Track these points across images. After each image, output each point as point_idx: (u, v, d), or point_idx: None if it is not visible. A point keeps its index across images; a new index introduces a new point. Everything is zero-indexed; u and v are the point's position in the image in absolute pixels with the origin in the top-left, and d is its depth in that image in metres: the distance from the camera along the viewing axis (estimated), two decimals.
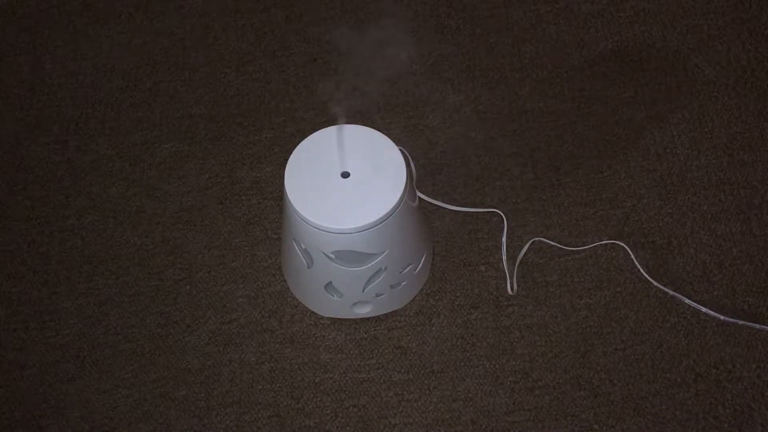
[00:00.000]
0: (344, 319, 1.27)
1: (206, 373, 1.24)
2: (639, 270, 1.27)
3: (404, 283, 1.23)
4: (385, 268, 1.17)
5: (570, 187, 1.35)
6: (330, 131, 1.15)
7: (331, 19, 1.50)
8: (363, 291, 1.20)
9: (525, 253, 1.30)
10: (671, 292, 1.25)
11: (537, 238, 1.31)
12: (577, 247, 1.30)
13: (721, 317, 1.23)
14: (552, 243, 1.30)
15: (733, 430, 1.17)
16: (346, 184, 1.12)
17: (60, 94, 1.46)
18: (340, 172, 1.13)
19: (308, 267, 1.18)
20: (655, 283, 1.26)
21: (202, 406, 1.22)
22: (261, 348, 1.25)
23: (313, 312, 1.27)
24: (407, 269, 1.21)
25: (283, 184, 1.13)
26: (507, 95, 1.42)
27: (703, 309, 1.24)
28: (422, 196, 1.33)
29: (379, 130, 1.16)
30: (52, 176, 1.39)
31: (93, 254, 1.33)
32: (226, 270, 1.31)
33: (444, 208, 1.34)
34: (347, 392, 1.22)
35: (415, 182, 1.35)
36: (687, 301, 1.25)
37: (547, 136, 1.39)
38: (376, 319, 1.27)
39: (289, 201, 1.11)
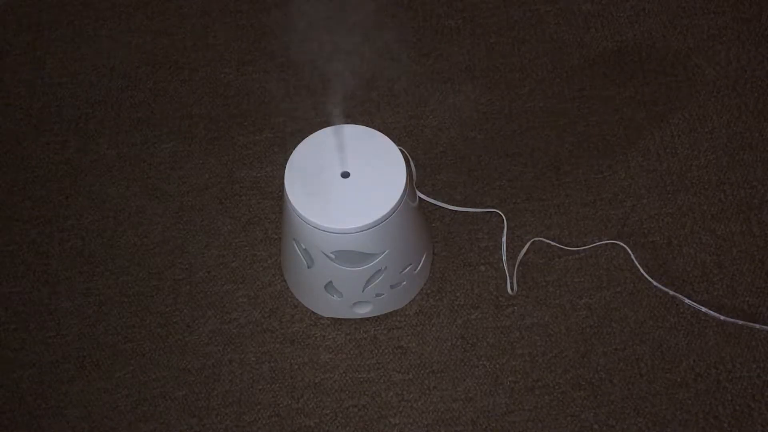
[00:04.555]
0: (344, 319, 1.27)
1: (206, 373, 1.24)
2: (639, 270, 1.27)
3: (404, 283, 1.23)
4: (385, 268, 1.17)
5: (570, 187, 1.35)
6: (330, 131, 1.15)
7: (331, 19, 1.50)
8: (363, 291, 1.20)
9: (525, 253, 1.30)
10: (671, 292, 1.26)
11: (537, 238, 1.31)
12: (577, 247, 1.30)
13: (721, 317, 1.23)
14: (552, 243, 1.30)
15: (733, 430, 1.17)
16: (346, 184, 1.12)
17: (60, 94, 1.46)
18: (340, 172, 1.13)
19: (308, 267, 1.18)
20: (655, 283, 1.26)
21: (202, 406, 1.22)
22: (261, 348, 1.25)
23: (313, 312, 1.27)
24: (407, 269, 1.21)
25: (283, 184, 1.13)
26: (507, 95, 1.42)
27: (703, 309, 1.24)
28: (422, 196, 1.33)
29: (379, 130, 1.16)
30: (52, 176, 1.39)
31: (93, 254, 1.33)
32: (226, 270, 1.31)
33: (444, 208, 1.34)
34: (347, 392, 1.22)
35: (415, 182, 1.35)
36: (687, 301, 1.25)
37: (547, 136, 1.39)
38: (376, 319, 1.27)
39: (289, 201, 1.11)
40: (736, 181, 1.34)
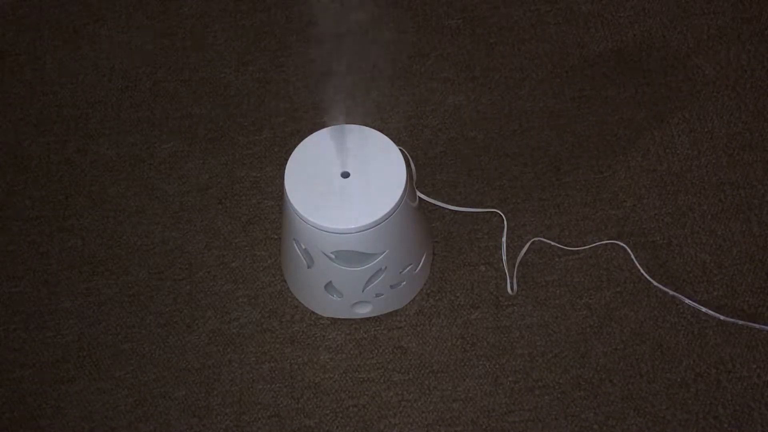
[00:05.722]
0: (344, 319, 1.27)
1: (206, 373, 1.24)
2: (639, 270, 1.27)
3: (404, 283, 1.23)
4: (385, 268, 1.17)
5: (570, 187, 1.35)
6: (330, 131, 1.15)
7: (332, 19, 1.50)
8: (363, 291, 1.20)
9: (525, 253, 1.30)
10: (671, 292, 1.25)
11: (537, 238, 1.31)
12: (577, 247, 1.30)
13: (721, 317, 1.23)
14: (552, 243, 1.30)
15: (733, 430, 1.17)
16: (346, 184, 1.12)
17: (60, 94, 1.46)
18: (340, 172, 1.13)
19: (308, 267, 1.18)
20: (655, 283, 1.26)
21: (202, 406, 1.22)
22: (261, 348, 1.25)
23: (313, 312, 1.27)
24: (407, 269, 1.21)
25: (283, 184, 1.13)
26: (507, 95, 1.42)
27: (703, 309, 1.24)
28: (422, 196, 1.33)
29: (379, 130, 1.16)
30: (52, 176, 1.39)
31: (93, 254, 1.33)
32: (226, 270, 1.31)
33: (444, 208, 1.34)
34: (347, 392, 1.22)
35: (415, 182, 1.35)
36: (687, 301, 1.25)
37: (547, 136, 1.39)
38: (376, 319, 1.27)
39: (289, 201, 1.11)
40: (736, 181, 1.34)
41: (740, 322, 1.23)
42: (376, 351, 1.25)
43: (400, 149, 1.16)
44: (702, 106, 1.39)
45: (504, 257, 1.29)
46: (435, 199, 1.34)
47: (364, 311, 1.25)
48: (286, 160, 1.14)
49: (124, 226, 1.35)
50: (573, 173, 1.36)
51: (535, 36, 1.47)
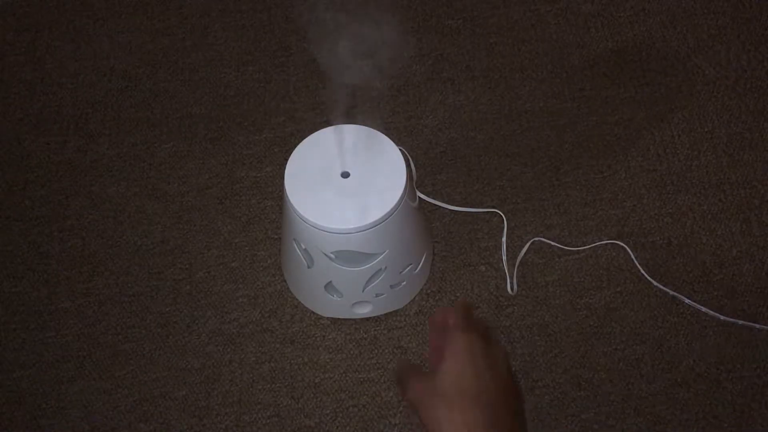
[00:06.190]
0: (344, 319, 1.27)
1: (206, 373, 1.24)
2: (639, 270, 1.27)
3: (404, 283, 1.23)
4: (385, 268, 1.17)
5: (570, 187, 1.35)
6: (330, 131, 1.15)
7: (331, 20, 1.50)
8: (363, 291, 1.20)
9: (525, 253, 1.30)
10: (671, 292, 1.26)
11: (537, 238, 1.31)
12: (577, 247, 1.30)
13: (721, 317, 1.23)
14: (552, 243, 1.30)
15: (733, 430, 1.17)
16: (346, 184, 1.12)
17: (60, 94, 1.46)
18: (340, 172, 1.13)
19: (308, 267, 1.18)
20: (655, 283, 1.26)
21: (202, 406, 1.22)
22: (261, 348, 1.25)
23: (313, 312, 1.27)
24: (407, 269, 1.21)
25: (283, 184, 1.13)
26: (507, 95, 1.42)
27: (703, 309, 1.24)
28: (422, 196, 1.33)
29: (379, 130, 1.16)
30: (52, 176, 1.39)
31: (93, 254, 1.33)
32: (226, 270, 1.31)
33: (444, 208, 1.34)
34: (347, 392, 1.22)
35: (415, 182, 1.35)
36: (687, 301, 1.25)
37: (547, 136, 1.39)
38: (376, 319, 1.27)
39: (289, 201, 1.11)
40: (736, 181, 1.34)
41: (740, 322, 1.23)
42: (376, 351, 1.25)
43: (400, 149, 1.16)
44: (702, 106, 1.39)
45: (504, 257, 1.29)
46: (435, 199, 1.34)
47: (364, 311, 1.25)
48: (286, 160, 1.14)
49: (124, 226, 1.35)
50: (573, 173, 1.36)
51: (535, 36, 1.47)
